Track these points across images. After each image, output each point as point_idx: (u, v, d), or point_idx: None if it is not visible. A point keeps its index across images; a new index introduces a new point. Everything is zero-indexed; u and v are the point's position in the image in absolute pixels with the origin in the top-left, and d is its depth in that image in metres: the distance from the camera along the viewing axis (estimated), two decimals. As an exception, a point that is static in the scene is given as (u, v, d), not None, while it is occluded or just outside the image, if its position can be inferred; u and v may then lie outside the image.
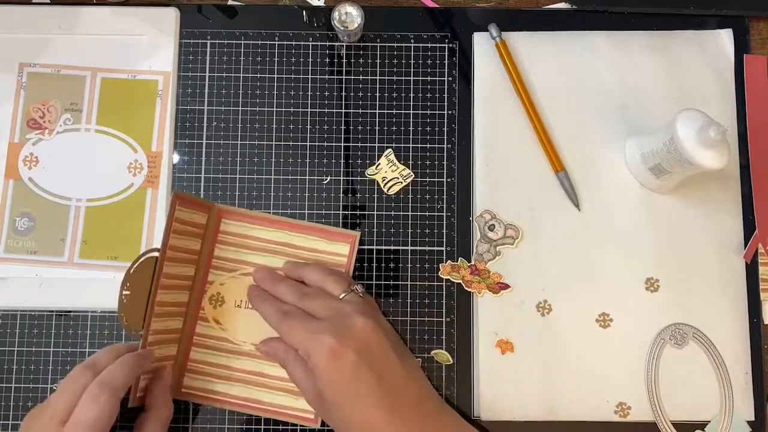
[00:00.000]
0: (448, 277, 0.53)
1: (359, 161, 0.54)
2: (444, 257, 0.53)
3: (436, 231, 0.54)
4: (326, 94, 0.55)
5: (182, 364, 0.51)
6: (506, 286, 0.52)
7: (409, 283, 0.53)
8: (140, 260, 0.47)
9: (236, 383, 0.51)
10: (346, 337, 0.44)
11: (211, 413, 0.51)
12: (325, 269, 0.50)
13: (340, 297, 0.48)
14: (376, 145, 0.55)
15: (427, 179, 0.54)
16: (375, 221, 0.54)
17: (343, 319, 0.46)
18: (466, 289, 0.52)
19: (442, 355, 0.52)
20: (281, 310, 0.48)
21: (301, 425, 0.51)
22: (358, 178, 0.54)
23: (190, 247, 0.51)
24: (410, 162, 0.54)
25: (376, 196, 0.54)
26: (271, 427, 0.51)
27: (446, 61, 0.56)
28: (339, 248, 0.52)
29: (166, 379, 0.49)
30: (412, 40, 0.56)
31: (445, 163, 0.54)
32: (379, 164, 0.54)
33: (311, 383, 0.45)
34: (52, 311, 0.53)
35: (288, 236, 0.53)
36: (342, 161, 0.55)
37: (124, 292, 0.47)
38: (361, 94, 0.55)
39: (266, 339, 0.50)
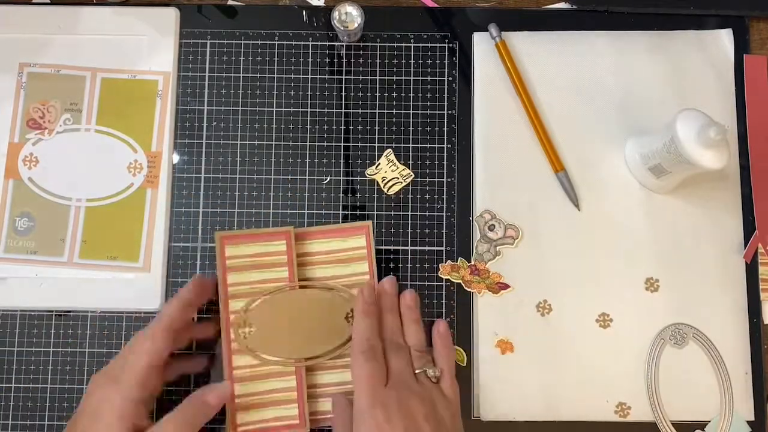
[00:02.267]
0: (448, 277, 0.53)
1: (359, 161, 0.54)
2: (444, 257, 0.53)
3: (436, 231, 0.54)
4: (326, 94, 0.55)
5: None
6: (506, 286, 0.52)
7: (409, 283, 0.53)
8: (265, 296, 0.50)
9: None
10: (396, 419, 0.43)
11: None
12: (417, 323, 0.50)
13: (416, 372, 0.47)
14: (376, 145, 0.55)
15: (427, 179, 0.54)
16: (375, 221, 0.54)
17: (406, 397, 0.44)
18: (466, 289, 0.52)
19: (459, 354, 0.52)
20: (368, 345, 0.47)
21: None
22: (358, 178, 0.54)
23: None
24: (410, 162, 0.54)
25: (376, 196, 0.54)
26: None
27: (446, 61, 0.56)
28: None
29: (225, 392, 0.48)
30: (412, 40, 0.56)
31: (445, 163, 0.54)
32: (379, 164, 0.54)
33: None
34: (52, 311, 0.53)
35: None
36: (342, 161, 0.55)
37: (243, 330, 0.49)
38: (361, 94, 0.55)
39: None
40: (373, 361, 0.46)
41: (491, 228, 0.53)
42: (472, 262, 0.53)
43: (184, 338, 0.50)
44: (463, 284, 0.52)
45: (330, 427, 0.50)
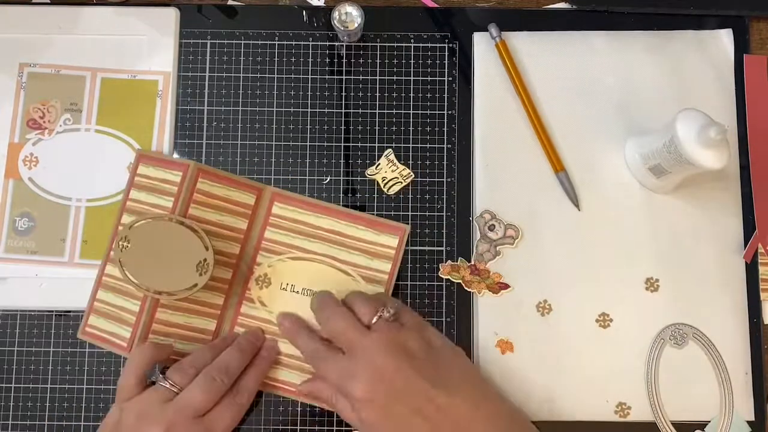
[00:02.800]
0: (448, 277, 0.53)
1: (359, 161, 0.54)
2: (444, 257, 0.53)
3: (436, 231, 0.54)
4: (326, 94, 0.55)
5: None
6: (506, 286, 0.52)
7: (409, 283, 0.53)
8: (147, 220, 0.49)
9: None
10: (375, 381, 0.44)
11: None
12: (358, 294, 0.49)
13: (372, 323, 0.47)
14: (376, 145, 0.55)
15: (427, 179, 0.54)
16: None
17: (368, 358, 0.45)
18: (466, 289, 0.52)
19: None
20: (312, 347, 0.48)
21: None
22: (358, 178, 0.54)
23: (234, 225, 0.52)
24: (410, 162, 0.54)
25: (376, 196, 0.54)
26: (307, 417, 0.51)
27: (446, 61, 0.56)
28: (387, 240, 0.52)
29: (265, 370, 0.50)
30: (412, 40, 0.56)
31: (445, 163, 0.54)
32: (379, 164, 0.54)
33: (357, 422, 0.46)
34: (52, 311, 0.53)
35: (337, 224, 0.53)
36: (342, 161, 0.55)
37: (122, 243, 0.49)
38: (361, 94, 0.55)
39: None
40: (328, 358, 0.47)
41: (491, 228, 0.53)
42: (472, 262, 0.53)
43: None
44: (463, 284, 0.53)
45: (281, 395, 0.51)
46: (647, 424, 0.51)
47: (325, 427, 0.51)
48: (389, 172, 0.54)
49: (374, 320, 0.46)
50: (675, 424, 0.51)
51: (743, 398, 0.51)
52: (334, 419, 0.51)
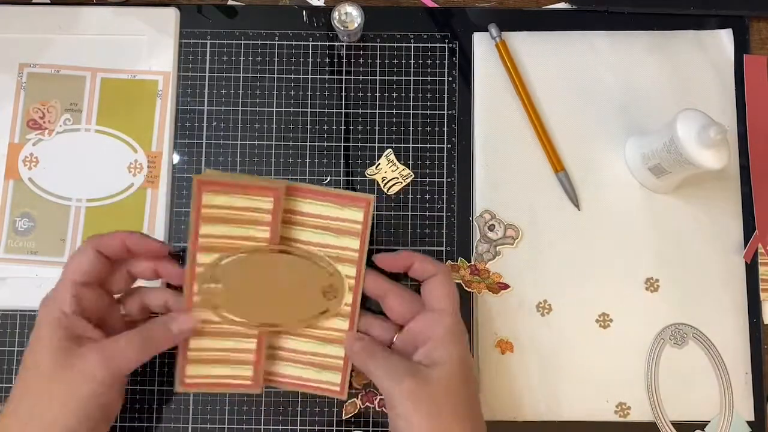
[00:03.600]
0: None
1: (359, 161, 0.54)
2: (444, 257, 0.53)
3: (436, 231, 0.54)
4: (326, 94, 0.55)
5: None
6: (506, 286, 0.52)
7: (409, 283, 0.53)
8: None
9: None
10: (422, 382, 0.42)
11: (211, 404, 0.51)
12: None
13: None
14: (376, 145, 0.55)
15: (427, 179, 0.54)
16: (375, 221, 0.54)
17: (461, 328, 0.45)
18: (466, 289, 0.52)
19: None
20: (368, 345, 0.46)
21: (328, 397, 0.49)
22: (358, 178, 0.54)
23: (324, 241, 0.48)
24: (410, 162, 0.54)
25: (376, 196, 0.54)
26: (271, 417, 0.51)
27: (446, 61, 0.56)
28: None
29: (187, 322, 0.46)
30: (412, 40, 0.56)
31: (445, 163, 0.54)
32: (379, 164, 0.54)
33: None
34: (52, 311, 0.53)
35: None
36: (342, 161, 0.55)
37: (209, 285, 0.46)
38: (361, 94, 0.55)
39: (364, 343, 0.47)
40: (379, 355, 0.45)
41: (491, 228, 0.53)
42: (472, 262, 0.53)
43: (118, 269, 0.47)
44: (463, 284, 0.52)
45: (286, 388, 0.50)
46: (647, 424, 0.51)
47: (325, 427, 0.51)
48: (389, 172, 0.54)
49: None
50: (675, 424, 0.51)
51: (743, 398, 0.51)
52: (334, 419, 0.51)
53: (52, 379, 0.42)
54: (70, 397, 0.41)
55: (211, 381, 0.48)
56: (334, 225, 0.47)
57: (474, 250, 0.53)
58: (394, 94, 0.55)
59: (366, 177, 0.54)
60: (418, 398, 0.42)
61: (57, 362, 0.42)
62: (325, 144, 0.55)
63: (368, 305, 0.50)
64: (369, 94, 0.55)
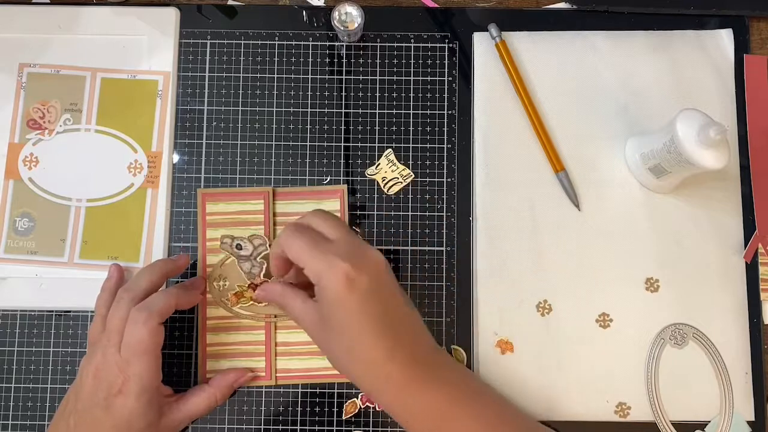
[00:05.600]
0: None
1: (359, 161, 0.54)
2: (444, 257, 0.53)
3: (436, 231, 0.54)
4: (326, 94, 0.55)
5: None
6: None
7: (409, 283, 0.53)
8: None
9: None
10: (361, 265, 0.43)
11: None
12: (322, 214, 0.48)
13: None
14: (376, 145, 0.55)
15: (427, 179, 0.54)
16: (375, 221, 0.54)
17: (356, 245, 0.45)
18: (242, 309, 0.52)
19: (458, 354, 0.52)
20: (293, 227, 0.46)
21: (337, 381, 0.52)
22: (358, 178, 0.54)
23: None
24: (410, 162, 0.54)
25: (376, 196, 0.54)
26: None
27: (446, 61, 0.56)
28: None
29: (242, 377, 0.50)
30: (412, 40, 0.56)
31: (445, 163, 0.54)
32: (379, 164, 0.54)
33: (314, 310, 0.45)
34: (52, 311, 0.53)
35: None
36: (342, 161, 0.55)
37: (219, 283, 0.52)
38: (361, 94, 0.55)
39: (262, 285, 0.49)
40: (307, 235, 0.45)
41: (239, 247, 0.51)
42: (249, 282, 0.52)
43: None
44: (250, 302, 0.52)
45: (296, 384, 0.52)
46: (647, 424, 0.51)
47: (325, 427, 0.51)
48: (389, 172, 0.54)
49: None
50: (675, 424, 0.51)
51: (743, 398, 0.51)
52: (334, 419, 0.51)
53: None
54: None
55: None
56: None
57: (242, 271, 0.52)
58: (394, 94, 0.55)
59: (366, 177, 0.54)
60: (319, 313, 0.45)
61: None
62: (325, 144, 0.55)
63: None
64: (369, 94, 0.55)
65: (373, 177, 0.54)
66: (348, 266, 0.42)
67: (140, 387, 0.44)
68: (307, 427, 0.51)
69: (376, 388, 0.44)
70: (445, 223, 0.54)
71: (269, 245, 0.51)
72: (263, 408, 0.51)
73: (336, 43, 0.56)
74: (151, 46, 0.55)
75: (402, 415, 0.44)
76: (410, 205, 0.54)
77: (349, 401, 0.52)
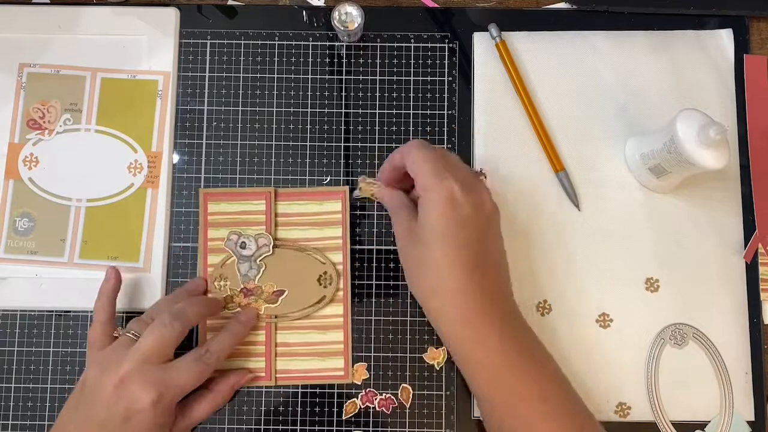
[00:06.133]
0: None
1: (359, 161, 0.54)
2: (444, 257, 0.53)
3: (436, 231, 0.54)
4: (326, 94, 0.55)
5: None
6: (282, 292, 0.52)
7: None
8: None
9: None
10: (471, 194, 0.44)
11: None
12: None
13: None
14: (376, 145, 0.55)
15: (427, 179, 0.54)
16: (375, 221, 0.54)
17: (475, 180, 0.46)
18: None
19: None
20: (424, 142, 0.47)
21: (337, 383, 0.52)
22: (359, 178, 0.54)
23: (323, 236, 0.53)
24: (410, 162, 0.54)
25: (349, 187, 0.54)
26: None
27: (446, 61, 0.56)
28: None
29: (242, 378, 0.51)
30: (412, 40, 0.56)
31: (445, 163, 0.54)
32: (361, 188, 0.51)
33: (413, 215, 0.46)
34: (52, 311, 0.53)
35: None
36: (342, 161, 0.55)
37: (220, 283, 0.52)
38: (361, 94, 0.55)
39: (386, 189, 0.49)
40: (431, 151, 0.46)
41: (243, 246, 0.52)
42: (242, 286, 0.52)
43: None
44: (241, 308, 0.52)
45: (296, 385, 0.52)
46: (647, 424, 0.51)
47: (325, 427, 0.51)
48: (374, 188, 0.52)
49: None
50: (675, 424, 0.51)
51: (743, 398, 0.51)
52: (334, 419, 0.51)
53: None
54: None
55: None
56: (316, 219, 0.53)
57: (238, 272, 0.52)
58: (394, 94, 0.55)
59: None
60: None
61: None
62: (325, 144, 0.55)
63: (365, 294, 0.50)
64: (369, 94, 0.55)
65: (362, 197, 0.53)
66: (458, 187, 0.43)
67: (164, 405, 0.44)
68: (307, 427, 0.51)
69: (450, 320, 0.44)
70: (445, 223, 0.54)
71: (272, 247, 0.52)
72: (263, 408, 0.51)
73: (336, 43, 0.56)
74: (151, 46, 0.55)
75: (467, 355, 0.44)
76: (410, 205, 0.54)
77: (349, 401, 0.52)
